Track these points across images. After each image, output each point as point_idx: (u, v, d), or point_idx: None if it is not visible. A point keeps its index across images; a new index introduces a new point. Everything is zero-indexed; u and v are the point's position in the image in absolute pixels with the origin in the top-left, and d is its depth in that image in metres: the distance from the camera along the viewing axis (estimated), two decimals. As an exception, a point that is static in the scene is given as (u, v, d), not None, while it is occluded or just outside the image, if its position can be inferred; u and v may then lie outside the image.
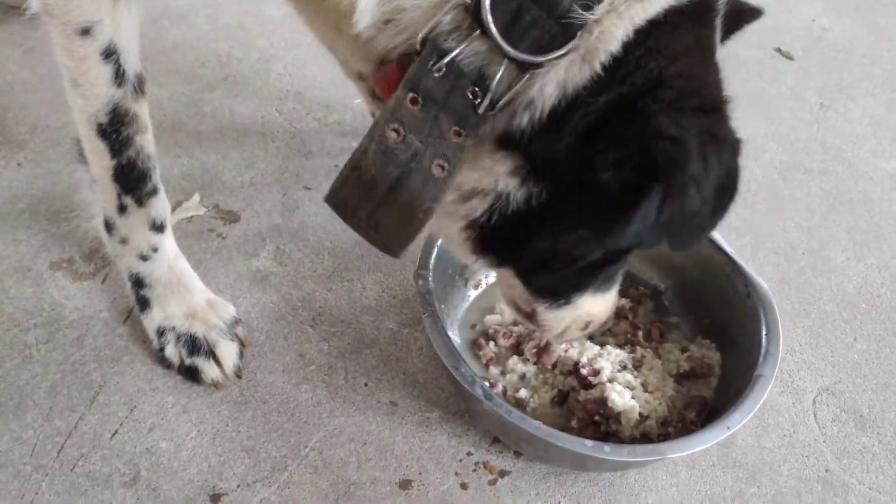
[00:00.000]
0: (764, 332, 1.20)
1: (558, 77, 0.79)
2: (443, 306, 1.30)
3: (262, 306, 1.39)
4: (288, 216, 1.56)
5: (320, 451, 1.19)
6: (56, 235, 1.44)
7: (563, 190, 0.86)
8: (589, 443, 1.03)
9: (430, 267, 1.23)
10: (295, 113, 1.83)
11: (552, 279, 1.01)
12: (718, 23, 0.88)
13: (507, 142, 0.85)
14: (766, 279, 1.28)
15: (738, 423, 1.08)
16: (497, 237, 0.92)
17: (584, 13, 0.77)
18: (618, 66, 0.78)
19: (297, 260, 1.48)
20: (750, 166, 1.83)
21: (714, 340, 1.31)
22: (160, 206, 1.19)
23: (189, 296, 1.29)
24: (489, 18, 0.77)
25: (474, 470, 1.19)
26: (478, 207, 0.90)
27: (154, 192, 1.17)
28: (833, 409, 1.33)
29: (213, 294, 1.34)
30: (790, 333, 1.42)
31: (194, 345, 1.25)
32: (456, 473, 1.18)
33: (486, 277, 1.41)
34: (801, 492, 1.21)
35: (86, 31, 0.97)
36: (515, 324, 1.31)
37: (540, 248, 0.92)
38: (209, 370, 1.24)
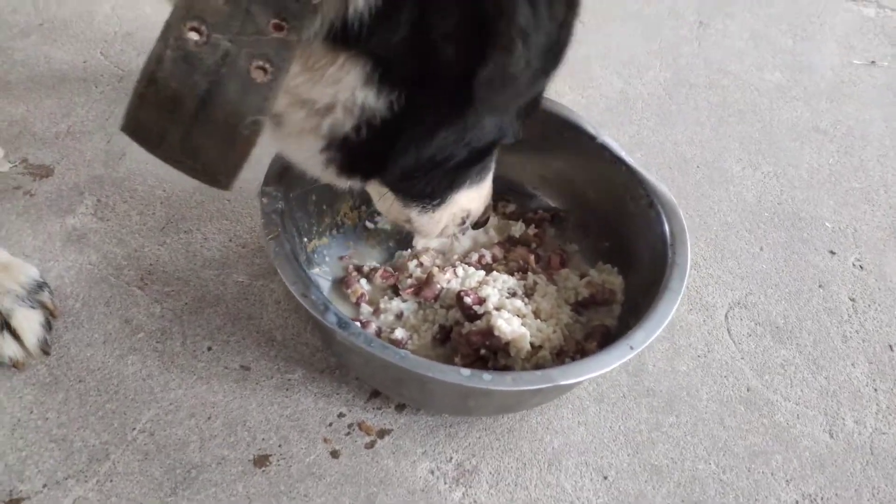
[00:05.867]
0: (669, 242, 1.05)
1: None
2: (306, 239, 1.11)
3: (79, 269, 1.14)
4: (112, 165, 1.32)
5: (151, 432, 0.96)
6: None
7: (416, 89, 0.72)
8: (465, 371, 0.84)
9: (283, 184, 1.02)
10: (124, 55, 1.60)
11: (424, 184, 0.88)
12: None
13: (343, 38, 0.68)
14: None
15: (643, 342, 0.91)
16: (363, 153, 0.78)
17: None
18: None
19: (121, 213, 1.23)
20: (634, 84, 1.71)
21: (616, 264, 1.16)
22: None
23: (-26, 259, 1.03)
24: None
25: (347, 433, 0.99)
26: (345, 121, 0.75)
27: None
28: (747, 322, 1.21)
29: (11, 256, 1.09)
30: (693, 249, 1.28)
31: (-19, 317, 0.99)
32: (325, 440, 0.98)
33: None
34: (723, 416, 1.07)
35: None
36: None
37: (408, 158, 0.80)
38: (5, 347, 0.99)
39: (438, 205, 0.92)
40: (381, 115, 0.73)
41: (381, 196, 0.95)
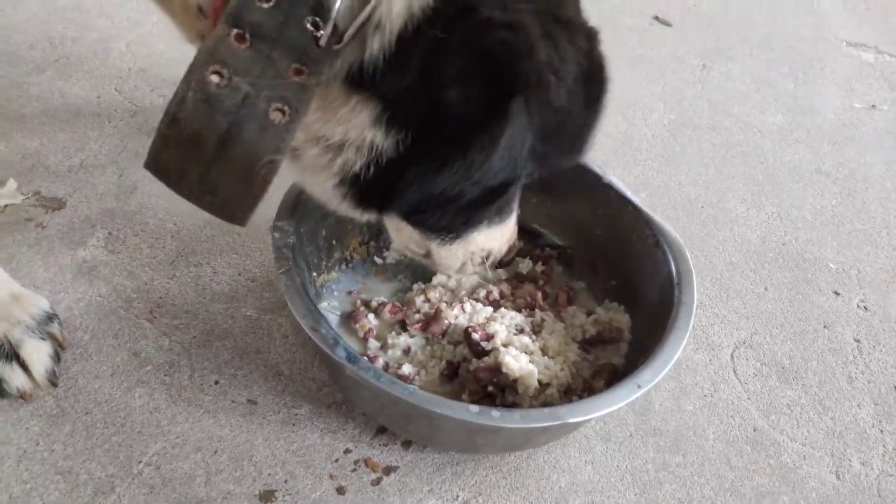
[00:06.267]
0: (675, 281, 1.05)
1: None
2: (315, 274, 1.12)
3: (89, 301, 1.15)
4: (124, 199, 1.34)
5: (158, 465, 0.95)
6: None
7: (422, 130, 0.75)
8: (474, 408, 0.85)
9: (295, 218, 1.04)
10: (137, 91, 1.62)
11: (437, 218, 0.89)
12: None
13: (359, 81, 0.72)
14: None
15: (651, 380, 0.92)
16: (374, 188, 0.81)
17: None
18: None
19: (132, 246, 1.25)
20: (639, 126, 1.73)
21: (623, 302, 1.16)
22: None
23: (-15, 289, 1.04)
24: None
25: (353, 470, 0.99)
26: (355, 160, 0.78)
27: None
28: (753, 362, 1.21)
29: (22, 288, 1.09)
30: (698, 288, 1.29)
31: (-9, 347, 1.00)
32: (331, 476, 0.97)
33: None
34: (729, 456, 1.07)
35: None
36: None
37: (415, 193, 0.81)
38: (13, 377, 1.00)
39: (455, 238, 0.93)
40: (388, 154, 0.76)
41: (397, 229, 0.97)
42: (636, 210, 1.15)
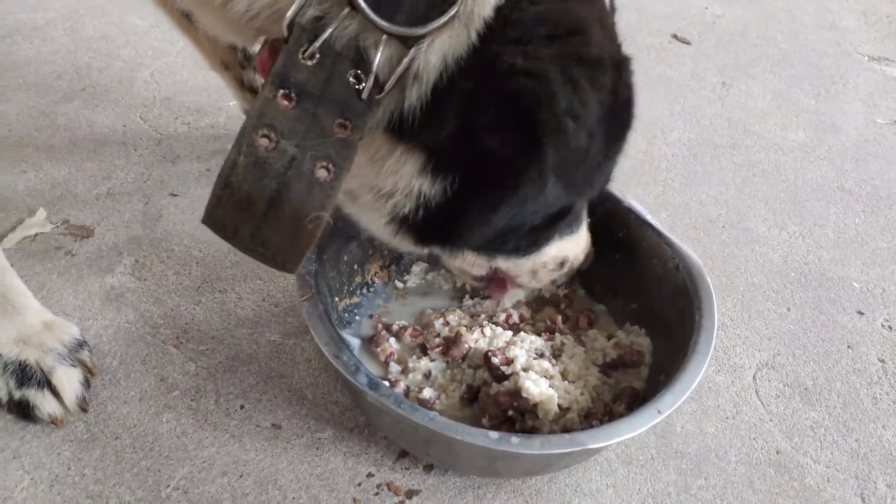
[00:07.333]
0: (696, 305, 1.06)
1: (443, 47, 0.71)
2: (337, 299, 1.13)
3: (117, 327, 1.17)
4: (150, 226, 1.36)
5: (185, 489, 0.97)
6: None
7: (468, 175, 0.78)
8: (494, 434, 0.85)
9: (317, 246, 1.05)
10: (161, 119, 1.66)
11: (500, 244, 0.93)
12: None
13: (399, 131, 0.76)
14: (688, 253, 1.14)
15: (671, 405, 0.92)
16: (428, 228, 0.85)
17: None
18: (490, 32, 0.72)
19: (158, 273, 1.27)
20: (658, 145, 1.74)
21: (643, 326, 1.17)
22: None
23: (20, 317, 1.07)
24: None
25: (376, 493, 0.99)
26: (405, 203, 0.82)
27: None
28: (775, 384, 1.20)
29: (54, 315, 1.12)
30: (720, 309, 1.30)
31: (24, 374, 1.03)
32: (354, 500, 0.99)
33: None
34: (752, 478, 1.06)
35: None
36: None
37: (478, 233, 0.86)
38: (45, 403, 1.02)
39: (525, 255, 0.97)
40: (437, 199, 0.79)
41: (456, 258, 0.99)
42: (656, 233, 1.15)
